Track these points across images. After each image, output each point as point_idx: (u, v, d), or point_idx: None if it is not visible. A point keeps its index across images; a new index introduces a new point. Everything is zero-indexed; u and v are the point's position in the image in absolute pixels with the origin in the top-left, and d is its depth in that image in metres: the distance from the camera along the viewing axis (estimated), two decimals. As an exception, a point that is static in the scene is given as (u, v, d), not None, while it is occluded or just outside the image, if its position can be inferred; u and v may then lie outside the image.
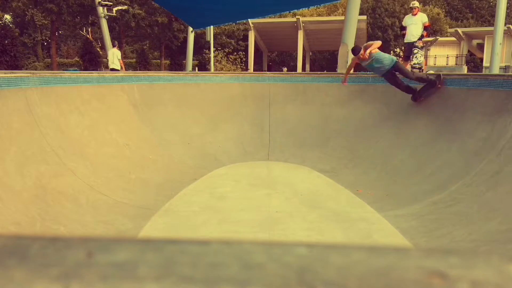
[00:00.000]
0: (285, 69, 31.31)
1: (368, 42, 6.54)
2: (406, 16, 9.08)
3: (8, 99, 4.75)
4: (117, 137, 6.26)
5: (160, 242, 0.27)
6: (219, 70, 24.22)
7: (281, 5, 9.92)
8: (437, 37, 30.62)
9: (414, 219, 4.30)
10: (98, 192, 4.76)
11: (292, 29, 25.83)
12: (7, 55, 21.49)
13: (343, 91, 8.12)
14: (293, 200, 5.03)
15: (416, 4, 8.55)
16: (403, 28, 8.86)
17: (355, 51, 6.54)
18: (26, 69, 24.97)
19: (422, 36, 8.52)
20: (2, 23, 24.44)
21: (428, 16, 9.68)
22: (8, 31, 22.65)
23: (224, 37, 29.49)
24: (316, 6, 23.75)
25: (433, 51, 31.97)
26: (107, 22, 16.95)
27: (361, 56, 6.31)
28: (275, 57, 36.78)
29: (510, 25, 25.13)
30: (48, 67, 27.87)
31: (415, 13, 8.54)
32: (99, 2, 16.40)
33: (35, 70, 22.45)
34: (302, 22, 25.14)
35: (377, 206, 4.80)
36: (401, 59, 9.52)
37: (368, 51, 6.28)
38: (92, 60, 24.41)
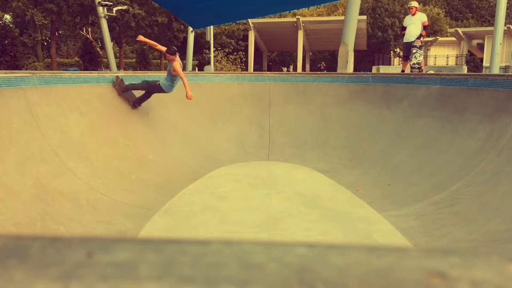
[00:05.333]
0: (285, 69, 31.21)
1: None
2: (406, 17, 9.10)
3: (8, 99, 4.75)
4: (117, 137, 6.26)
5: (160, 242, 0.27)
6: (219, 70, 24.23)
7: (281, 5, 9.92)
8: (437, 37, 30.65)
9: (414, 219, 4.31)
10: (98, 192, 4.76)
11: (292, 29, 25.85)
12: (7, 55, 21.48)
13: (343, 91, 8.12)
14: (293, 200, 5.03)
15: (414, 4, 8.57)
16: (404, 29, 8.88)
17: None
18: (26, 69, 24.97)
19: (420, 36, 8.53)
20: (2, 23, 24.43)
21: (428, 16, 9.70)
22: (8, 31, 22.65)
23: (224, 37, 29.49)
24: (316, 6, 23.75)
25: (433, 51, 32.01)
26: (107, 22, 16.94)
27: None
28: (275, 57, 36.78)
29: (510, 25, 25.14)
30: (48, 67, 27.86)
31: (413, 13, 8.57)
32: (99, 2, 16.39)
33: (35, 70, 22.43)
34: (302, 22, 25.15)
35: (377, 206, 4.80)
36: (401, 59, 9.53)
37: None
38: (92, 60, 24.41)
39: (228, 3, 9.12)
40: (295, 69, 31.86)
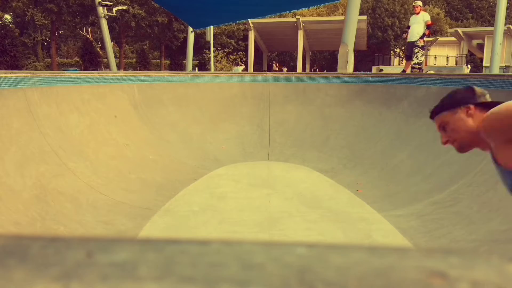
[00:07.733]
0: (274, 64, 30.89)
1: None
2: (411, 16, 9.10)
3: (8, 99, 4.75)
4: (117, 137, 6.26)
5: (160, 242, 0.27)
6: (219, 70, 24.23)
7: (281, 5, 9.92)
8: (437, 37, 30.66)
9: (414, 219, 4.31)
10: (98, 192, 4.76)
11: (292, 29, 25.87)
12: (7, 55, 21.48)
13: (343, 91, 8.12)
14: (293, 200, 5.03)
15: (418, 3, 8.56)
16: (409, 28, 8.87)
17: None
18: (26, 69, 24.96)
19: (424, 35, 8.54)
20: (2, 23, 24.41)
21: (428, 16, 9.68)
22: (8, 31, 22.64)
23: (224, 37, 29.49)
24: (316, 6, 23.76)
25: (433, 51, 32.01)
26: (107, 22, 16.94)
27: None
28: (275, 57, 36.79)
29: (510, 25, 25.14)
30: (48, 67, 27.86)
31: (417, 11, 8.56)
32: (99, 2, 16.39)
33: (35, 70, 22.42)
34: (302, 22, 25.17)
35: (377, 206, 4.80)
36: (401, 59, 9.52)
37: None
38: (92, 60, 24.41)
39: (228, 3, 9.13)
40: (289, 69, 31.80)
